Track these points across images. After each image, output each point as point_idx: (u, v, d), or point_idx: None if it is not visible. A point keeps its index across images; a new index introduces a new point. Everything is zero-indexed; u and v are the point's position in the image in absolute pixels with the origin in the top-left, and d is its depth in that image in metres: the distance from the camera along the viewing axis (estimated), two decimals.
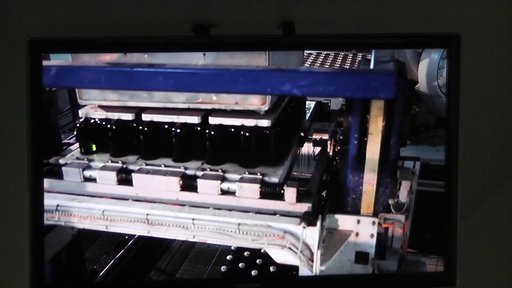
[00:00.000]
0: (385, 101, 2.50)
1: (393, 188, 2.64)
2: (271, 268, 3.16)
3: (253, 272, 3.18)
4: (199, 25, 2.60)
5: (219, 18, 2.63)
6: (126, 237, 3.71)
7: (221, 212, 2.71)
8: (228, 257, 3.37)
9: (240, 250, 3.38)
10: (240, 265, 3.29)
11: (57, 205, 2.80)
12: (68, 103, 4.69)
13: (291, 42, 2.69)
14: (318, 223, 2.57)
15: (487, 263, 3.43)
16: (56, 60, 2.70)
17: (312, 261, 2.62)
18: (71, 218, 2.82)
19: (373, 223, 2.68)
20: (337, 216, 2.72)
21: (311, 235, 2.59)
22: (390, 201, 2.65)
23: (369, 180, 2.64)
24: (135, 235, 3.53)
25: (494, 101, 3.14)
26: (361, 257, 2.70)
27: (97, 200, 2.84)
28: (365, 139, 2.59)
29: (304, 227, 2.58)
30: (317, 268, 2.63)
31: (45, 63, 2.51)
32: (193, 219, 2.69)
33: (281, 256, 2.68)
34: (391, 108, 2.53)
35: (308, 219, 2.59)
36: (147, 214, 2.74)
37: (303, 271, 2.67)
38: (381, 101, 2.50)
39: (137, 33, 2.55)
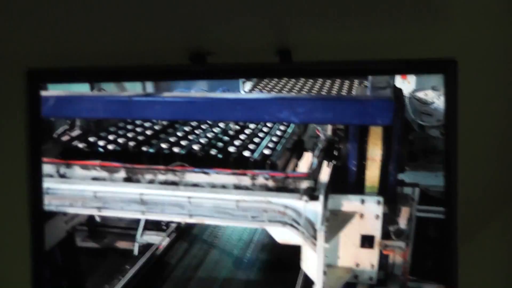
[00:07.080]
0: (383, 127, 2.50)
1: (392, 215, 2.62)
2: None
3: None
4: (196, 53, 2.61)
5: (215, 46, 2.64)
6: (127, 266, 3.70)
7: (218, 189, 2.62)
8: None
9: None
10: None
11: (47, 188, 2.71)
12: None
13: (288, 69, 2.69)
14: (321, 197, 2.47)
15: None
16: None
17: (315, 238, 2.50)
18: (62, 201, 2.75)
19: (378, 202, 2.59)
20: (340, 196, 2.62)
21: (314, 210, 2.49)
22: (390, 228, 2.63)
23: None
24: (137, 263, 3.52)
25: (493, 126, 3.13)
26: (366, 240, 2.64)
27: (88, 182, 2.76)
28: (364, 162, 2.58)
29: (306, 201, 2.48)
30: (321, 245, 2.49)
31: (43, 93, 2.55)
32: (189, 197, 2.60)
33: (282, 234, 2.60)
34: (389, 134, 2.52)
35: (310, 193, 2.50)
36: (141, 194, 2.67)
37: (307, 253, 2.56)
38: (379, 127, 2.50)
39: (134, 62, 2.56)
